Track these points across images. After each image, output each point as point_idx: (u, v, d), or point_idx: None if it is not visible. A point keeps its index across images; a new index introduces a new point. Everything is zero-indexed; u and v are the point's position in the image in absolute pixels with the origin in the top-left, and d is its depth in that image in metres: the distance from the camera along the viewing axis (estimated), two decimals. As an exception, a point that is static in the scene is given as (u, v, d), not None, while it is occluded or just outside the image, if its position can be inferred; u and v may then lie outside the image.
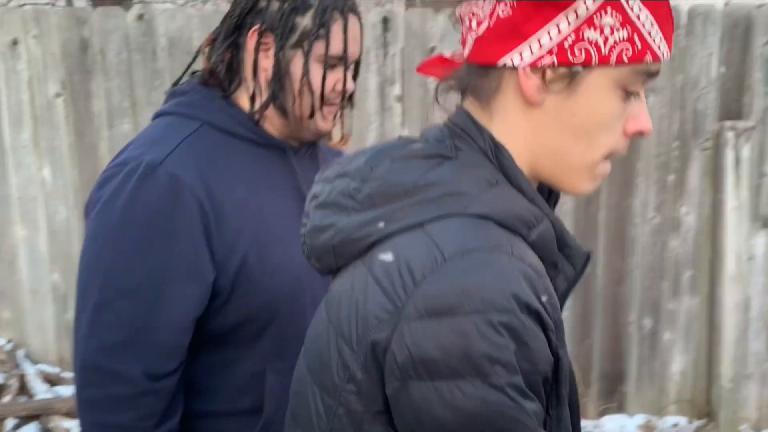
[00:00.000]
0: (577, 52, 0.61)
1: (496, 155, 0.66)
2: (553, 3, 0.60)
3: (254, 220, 0.97)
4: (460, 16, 0.69)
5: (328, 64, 0.98)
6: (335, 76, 0.99)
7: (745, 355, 2.81)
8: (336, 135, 1.11)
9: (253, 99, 0.99)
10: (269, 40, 0.97)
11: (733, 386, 2.79)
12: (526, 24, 0.61)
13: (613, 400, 2.91)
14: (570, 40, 0.61)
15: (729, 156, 2.66)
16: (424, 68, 0.79)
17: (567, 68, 0.62)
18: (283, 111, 1.00)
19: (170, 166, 0.91)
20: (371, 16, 2.71)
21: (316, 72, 0.98)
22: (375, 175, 0.67)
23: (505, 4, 0.62)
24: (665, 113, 2.69)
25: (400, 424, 0.61)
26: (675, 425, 2.87)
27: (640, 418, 2.88)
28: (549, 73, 0.63)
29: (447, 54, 0.74)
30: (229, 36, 0.99)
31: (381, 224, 0.64)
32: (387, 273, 0.61)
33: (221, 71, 1.00)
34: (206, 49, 1.03)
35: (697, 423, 2.87)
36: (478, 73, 0.67)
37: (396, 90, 2.77)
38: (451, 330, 0.56)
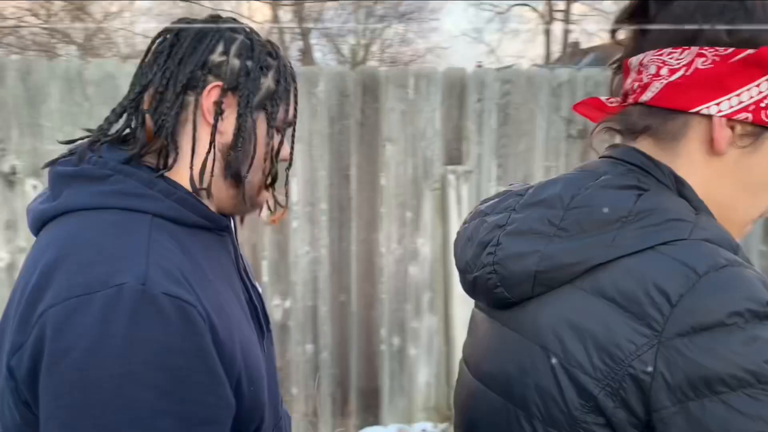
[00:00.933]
0: None
1: (680, 189, 0.70)
2: (761, 66, 0.66)
3: (230, 324, 0.77)
4: (634, 63, 0.73)
5: (281, 129, 0.87)
6: (285, 142, 0.89)
7: (475, 362, 3.31)
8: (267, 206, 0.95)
9: (202, 171, 0.80)
10: (230, 100, 0.82)
11: (466, 390, 3.27)
12: (731, 79, 0.66)
13: (371, 414, 3.26)
14: (766, 101, 0.67)
15: (452, 195, 3.15)
16: (579, 108, 0.81)
17: (758, 127, 0.68)
18: (237, 181, 0.84)
19: (161, 284, 0.68)
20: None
21: (276, 137, 0.86)
22: (577, 203, 0.69)
23: (706, 59, 0.67)
24: (401, 160, 3.12)
25: None
26: (423, 430, 3.28)
27: (393, 428, 3.25)
28: (739, 128, 0.68)
29: (603, 98, 0.78)
30: (179, 94, 0.80)
31: (599, 250, 0.65)
32: (629, 296, 0.62)
33: (166, 139, 0.79)
34: (149, 109, 0.81)
35: (441, 426, 3.31)
36: (662, 116, 0.71)
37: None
38: (729, 341, 0.57)
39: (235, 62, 0.82)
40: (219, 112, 0.81)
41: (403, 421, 3.28)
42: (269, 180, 0.89)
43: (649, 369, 0.59)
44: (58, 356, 0.65)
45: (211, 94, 0.81)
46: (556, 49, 21.09)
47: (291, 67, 0.89)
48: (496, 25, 25.30)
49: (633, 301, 0.62)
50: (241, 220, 0.93)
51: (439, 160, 3.18)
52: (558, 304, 0.68)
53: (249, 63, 0.82)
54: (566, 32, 21.12)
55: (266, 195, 0.90)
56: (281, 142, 0.87)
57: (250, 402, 0.78)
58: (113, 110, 0.82)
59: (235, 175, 0.83)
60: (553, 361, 0.66)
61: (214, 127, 0.81)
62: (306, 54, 18.97)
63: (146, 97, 0.81)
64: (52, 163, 0.80)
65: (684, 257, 0.62)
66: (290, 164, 0.92)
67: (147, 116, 0.80)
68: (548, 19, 21.31)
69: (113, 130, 0.83)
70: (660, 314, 0.60)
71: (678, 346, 0.58)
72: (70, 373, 0.64)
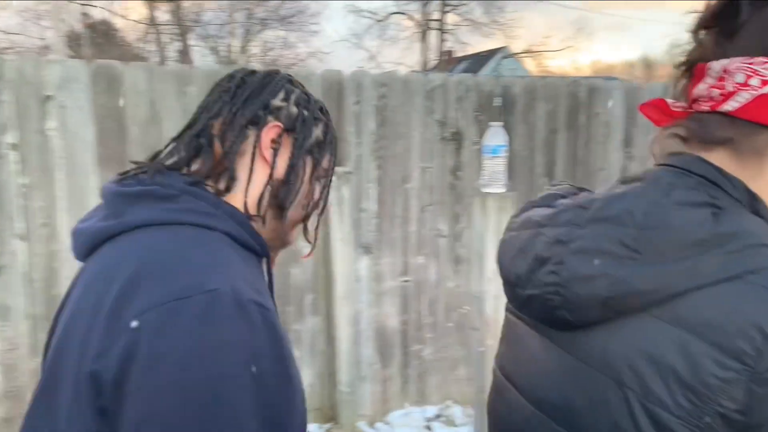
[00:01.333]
0: None
1: (755, 207, 0.65)
2: None
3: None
4: (716, 68, 0.66)
5: (322, 176, 0.96)
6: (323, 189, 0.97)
7: (358, 361, 3.36)
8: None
9: (260, 200, 0.86)
10: (285, 140, 0.90)
11: (350, 389, 3.31)
12: None
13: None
14: None
15: (333, 196, 3.18)
16: (644, 108, 0.76)
17: None
18: (280, 214, 0.90)
19: (247, 292, 0.71)
20: (-23, 60, 2.58)
21: (317, 183, 0.95)
22: (652, 223, 0.63)
23: None
24: (280, 160, 3.10)
25: None
26: None
27: None
28: None
29: (669, 100, 0.72)
30: (243, 128, 0.86)
31: (680, 277, 0.60)
32: (715, 328, 0.58)
33: (227, 166, 0.85)
34: (218, 136, 0.87)
35: (325, 427, 3.32)
36: (748, 129, 0.64)
37: (9, 138, 2.68)
38: None
39: (294, 109, 0.91)
40: (276, 149, 0.89)
41: (288, 425, 3.26)
42: (305, 218, 0.95)
43: (740, 407, 0.56)
44: (158, 358, 0.66)
45: (270, 131, 0.89)
46: (432, 57, 21.83)
47: (334, 128, 0.99)
48: (376, 32, 25.73)
49: (720, 334, 0.58)
50: (273, 258, 0.96)
51: (318, 161, 3.20)
52: (631, 334, 0.63)
53: (305, 112, 0.92)
54: (441, 41, 21.91)
55: (296, 234, 0.96)
56: (323, 187, 0.96)
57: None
58: (182, 141, 0.88)
59: (280, 207, 0.90)
60: (630, 396, 0.62)
61: (273, 162, 0.88)
62: (184, 54, 18.33)
63: (215, 126, 0.87)
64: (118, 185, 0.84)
65: None
66: (323, 211, 0.98)
67: (216, 143, 0.86)
68: (424, 27, 22.00)
69: (168, 158, 0.88)
70: (752, 347, 0.56)
71: None
72: (171, 373, 0.65)
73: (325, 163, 0.95)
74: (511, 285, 0.76)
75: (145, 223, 0.78)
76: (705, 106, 0.67)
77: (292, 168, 0.90)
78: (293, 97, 0.92)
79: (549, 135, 3.70)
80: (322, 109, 0.96)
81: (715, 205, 0.63)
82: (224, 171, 0.85)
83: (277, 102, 0.90)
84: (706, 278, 0.60)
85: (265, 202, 0.88)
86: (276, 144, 0.89)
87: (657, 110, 0.74)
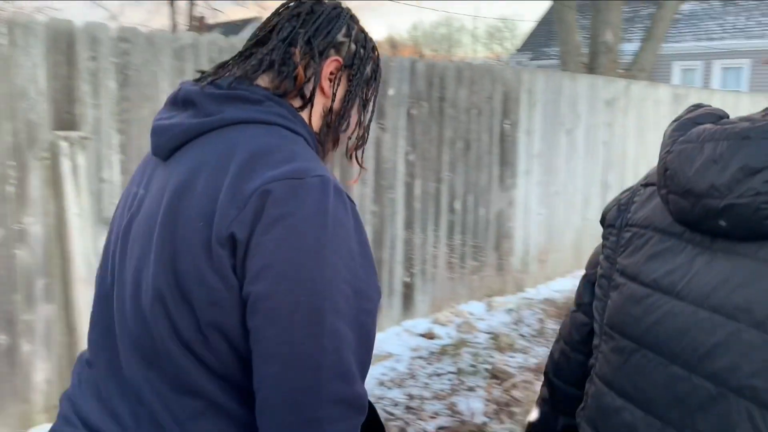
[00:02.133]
0: None
1: None
2: None
3: None
4: None
5: (367, 108, 1.06)
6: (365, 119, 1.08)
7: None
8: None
9: (328, 123, 1.00)
10: (342, 75, 0.99)
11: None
12: None
13: (-26, 429, 2.71)
14: None
15: (66, 165, 2.78)
16: None
17: None
18: (335, 140, 1.03)
19: (340, 185, 0.87)
20: None
21: (363, 113, 1.06)
22: None
23: None
24: (-5, 123, 2.61)
25: None
26: (46, 434, 2.88)
27: (6, 440, 2.76)
28: None
29: None
30: (313, 58, 0.96)
31: None
32: None
33: (299, 86, 0.96)
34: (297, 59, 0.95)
35: (68, 425, 2.94)
36: None
37: None
38: None
39: (353, 46, 1.00)
40: (332, 81, 0.98)
41: (21, 428, 2.82)
42: (349, 149, 1.07)
43: None
44: (278, 219, 0.79)
45: (330, 65, 0.97)
46: (182, 22, 20.59)
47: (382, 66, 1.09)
48: (116, -11, 23.46)
49: None
50: None
51: (46, 124, 2.76)
52: None
53: (362, 50, 1.01)
54: (192, 5, 20.76)
55: (331, 160, 1.07)
56: (366, 118, 1.06)
57: None
58: (263, 55, 0.94)
59: (335, 135, 1.02)
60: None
61: (334, 93, 0.98)
62: None
63: (295, 53, 0.94)
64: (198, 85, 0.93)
65: None
66: (365, 141, 1.08)
67: (300, 67, 0.94)
68: (172, -11, 20.59)
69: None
70: None
71: None
72: (288, 233, 0.79)
73: (371, 98, 1.05)
74: (696, 196, 0.72)
75: (242, 120, 0.89)
76: None
77: (347, 102, 1.00)
78: (354, 34, 1.00)
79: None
80: (374, 49, 1.04)
81: None
82: (296, 93, 0.95)
83: (340, 37, 0.98)
84: None
85: (322, 128, 1.00)
86: (333, 77, 0.98)
87: None
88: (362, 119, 1.05)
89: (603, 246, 0.90)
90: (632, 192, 0.90)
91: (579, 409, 0.89)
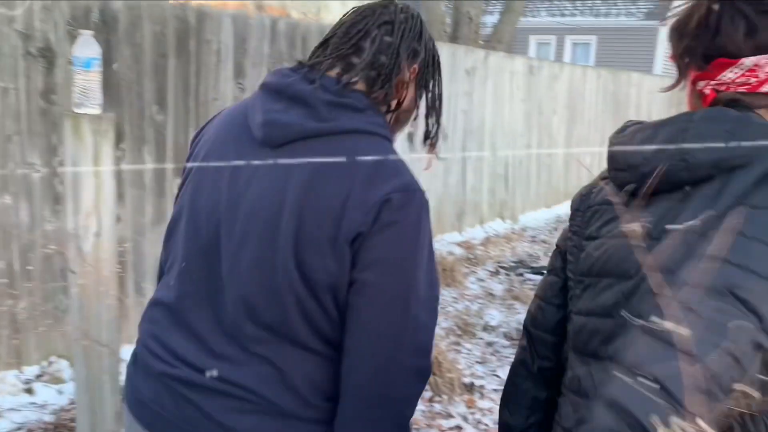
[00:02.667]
0: None
1: None
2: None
3: None
4: (748, 63, 0.94)
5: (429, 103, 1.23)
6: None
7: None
8: None
9: (398, 119, 1.17)
10: (415, 78, 1.15)
11: None
12: None
13: None
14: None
15: None
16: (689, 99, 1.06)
17: None
18: (399, 132, 1.22)
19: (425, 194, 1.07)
20: None
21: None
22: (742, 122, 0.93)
23: None
24: None
25: None
26: None
27: None
28: None
29: (700, 87, 1.01)
30: (402, 69, 1.11)
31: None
32: None
33: (387, 90, 1.11)
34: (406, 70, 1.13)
35: None
36: None
37: None
38: None
39: (426, 52, 1.14)
40: (418, 83, 1.17)
41: None
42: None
43: None
44: (391, 224, 1.00)
45: (411, 72, 1.13)
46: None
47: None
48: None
49: None
50: None
51: None
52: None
53: (432, 55, 1.16)
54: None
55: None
56: (438, 113, 1.21)
57: None
58: (365, 64, 1.08)
59: (401, 126, 1.20)
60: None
61: (404, 97, 1.15)
62: None
63: (388, 63, 1.11)
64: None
65: None
66: (437, 133, 1.22)
67: (397, 81, 1.11)
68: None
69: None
70: None
71: None
72: (397, 234, 1.01)
73: (439, 94, 1.19)
74: (633, 167, 0.98)
75: (353, 130, 1.04)
76: (742, 88, 0.95)
77: (417, 100, 1.17)
78: (425, 39, 1.14)
79: (158, 60, 3.44)
80: (435, 48, 1.18)
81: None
82: (386, 97, 1.11)
83: (419, 46, 1.12)
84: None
85: (392, 124, 1.17)
86: (409, 80, 1.14)
87: (691, 98, 1.03)
88: (433, 113, 1.19)
89: (570, 225, 1.17)
90: (590, 186, 1.17)
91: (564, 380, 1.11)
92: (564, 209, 8.13)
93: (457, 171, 6.26)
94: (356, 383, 1.01)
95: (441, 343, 3.71)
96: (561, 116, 7.95)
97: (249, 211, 1.03)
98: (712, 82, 0.99)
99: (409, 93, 1.14)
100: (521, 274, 5.28)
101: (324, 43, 1.12)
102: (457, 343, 3.81)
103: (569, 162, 8.36)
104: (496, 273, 5.33)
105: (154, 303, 1.15)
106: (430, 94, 1.17)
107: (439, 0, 8.70)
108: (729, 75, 0.97)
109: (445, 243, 5.97)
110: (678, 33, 1.04)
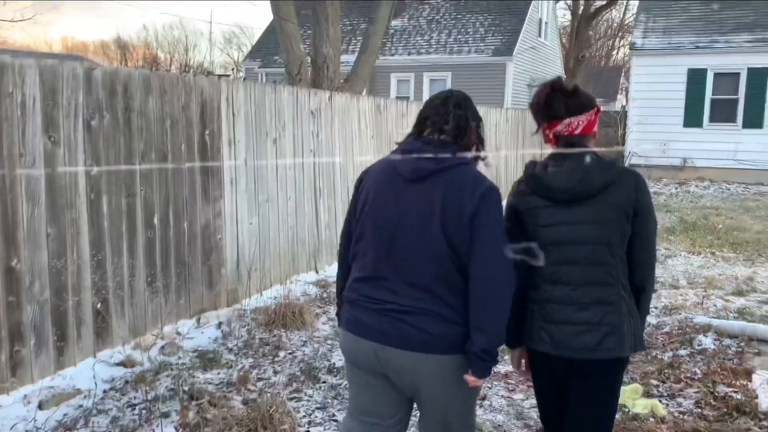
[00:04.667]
0: None
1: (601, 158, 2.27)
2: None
3: None
4: (566, 121, 2.17)
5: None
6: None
7: None
8: None
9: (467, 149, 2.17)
10: (475, 131, 2.19)
11: None
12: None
13: None
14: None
15: None
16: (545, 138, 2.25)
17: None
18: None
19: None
20: None
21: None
22: (588, 168, 2.14)
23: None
24: None
25: None
26: None
27: None
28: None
29: (547, 132, 2.22)
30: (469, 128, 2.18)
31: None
32: None
33: (470, 146, 2.18)
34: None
35: None
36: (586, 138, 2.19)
37: None
38: None
39: (472, 117, 2.19)
40: (478, 136, 2.21)
41: None
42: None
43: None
44: (489, 206, 2.01)
45: (474, 129, 2.18)
46: None
47: None
48: None
49: None
50: None
51: None
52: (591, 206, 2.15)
53: (479, 119, 2.22)
54: None
55: None
56: (484, 143, 2.25)
57: None
58: (451, 129, 2.13)
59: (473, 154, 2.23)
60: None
61: (479, 142, 2.21)
62: None
63: (459, 125, 2.16)
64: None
65: None
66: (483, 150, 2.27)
67: (470, 136, 2.17)
68: None
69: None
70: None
71: None
72: (491, 212, 2.01)
73: (483, 137, 2.22)
74: (565, 191, 2.10)
75: (458, 163, 2.06)
76: (565, 133, 2.15)
77: (476, 141, 2.18)
78: (475, 111, 2.20)
79: (-53, 115, 3.15)
80: (477, 112, 2.25)
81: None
82: (466, 146, 2.15)
83: (469, 114, 2.16)
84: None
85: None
86: (474, 133, 2.17)
87: (545, 139, 2.20)
88: (481, 143, 2.19)
89: (517, 211, 2.20)
90: (518, 183, 2.24)
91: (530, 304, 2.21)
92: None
93: (310, 210, 6.25)
94: (478, 294, 1.99)
95: (282, 392, 3.63)
96: (413, 151, 8.19)
97: (414, 218, 2.04)
98: (552, 131, 2.18)
99: (472, 139, 2.16)
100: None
101: (423, 121, 2.16)
102: (299, 390, 3.73)
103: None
104: (349, 311, 5.31)
105: (355, 279, 2.16)
106: (479, 138, 2.19)
107: (299, 42, 8.77)
108: (559, 128, 2.16)
109: (300, 284, 5.90)
110: (535, 107, 2.20)
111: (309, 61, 8.99)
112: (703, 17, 15.72)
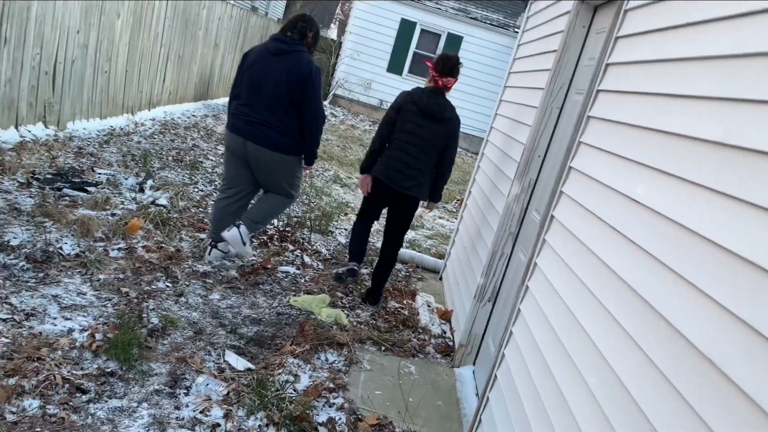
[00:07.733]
0: None
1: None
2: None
3: None
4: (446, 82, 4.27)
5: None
6: None
7: None
8: None
9: (309, 49, 4.27)
10: (312, 41, 4.32)
11: None
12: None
13: None
14: None
15: None
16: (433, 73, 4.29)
17: None
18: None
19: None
20: None
21: None
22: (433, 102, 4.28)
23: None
24: None
25: None
26: None
27: None
28: None
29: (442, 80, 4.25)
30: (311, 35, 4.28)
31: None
32: None
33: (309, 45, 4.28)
34: None
35: None
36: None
37: None
38: None
39: (315, 29, 4.29)
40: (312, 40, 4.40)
41: None
42: None
43: None
44: (314, 76, 4.02)
45: (311, 36, 4.33)
46: None
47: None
48: None
49: None
50: None
51: None
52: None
53: (317, 31, 4.34)
54: None
55: None
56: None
57: None
58: (298, 34, 4.17)
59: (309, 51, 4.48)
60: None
61: (311, 43, 4.34)
62: None
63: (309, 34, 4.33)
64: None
65: None
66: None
67: (308, 38, 4.30)
68: None
69: None
70: None
71: None
72: (317, 80, 4.03)
73: (317, 41, 4.32)
74: (430, 112, 4.20)
75: (299, 50, 4.05)
76: (446, 84, 4.23)
77: (314, 45, 4.27)
78: (316, 25, 4.20)
79: None
80: (318, 27, 4.27)
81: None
82: (307, 44, 4.15)
83: (308, 27, 4.13)
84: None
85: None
86: (312, 38, 4.21)
87: (434, 81, 4.22)
88: (315, 43, 4.22)
89: (399, 106, 4.18)
90: (407, 93, 4.21)
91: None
92: (121, 122, 7.54)
93: None
94: (309, 128, 4.05)
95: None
96: (125, 21, 7.31)
97: (273, 78, 3.96)
98: (441, 80, 4.16)
99: (310, 41, 4.10)
100: (59, 189, 4.70)
101: (284, 28, 4.11)
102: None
103: (131, 73, 7.81)
104: (27, 185, 4.62)
105: (236, 105, 4.12)
106: (314, 41, 4.14)
107: None
108: (445, 81, 4.18)
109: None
110: (441, 64, 4.19)
111: None
112: (424, -25, 17.04)
